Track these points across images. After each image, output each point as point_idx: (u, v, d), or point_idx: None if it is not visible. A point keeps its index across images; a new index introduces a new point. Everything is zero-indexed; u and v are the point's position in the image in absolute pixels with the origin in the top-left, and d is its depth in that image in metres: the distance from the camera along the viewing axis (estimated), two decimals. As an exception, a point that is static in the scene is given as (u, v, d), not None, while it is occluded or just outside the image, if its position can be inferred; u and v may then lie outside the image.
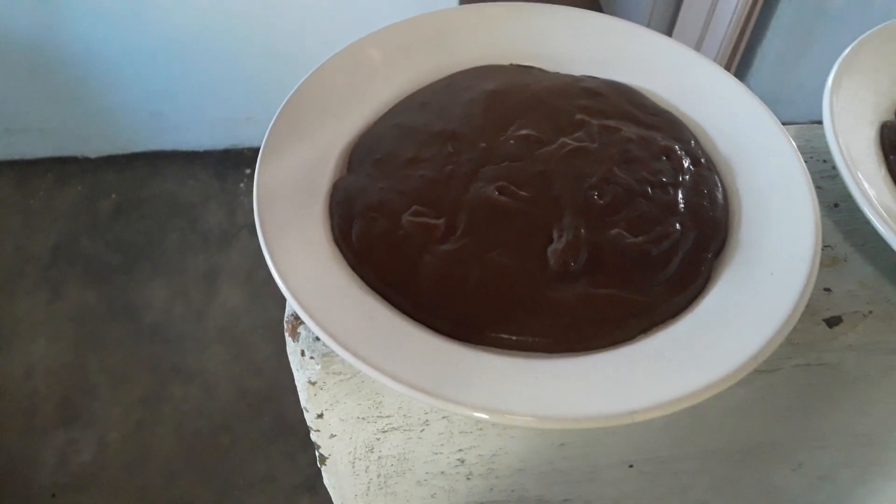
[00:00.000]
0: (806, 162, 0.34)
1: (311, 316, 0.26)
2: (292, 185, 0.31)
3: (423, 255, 0.30)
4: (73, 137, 1.33)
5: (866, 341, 0.32)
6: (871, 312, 0.32)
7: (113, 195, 1.33)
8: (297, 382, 0.31)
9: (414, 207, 0.31)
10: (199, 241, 1.28)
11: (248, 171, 1.38)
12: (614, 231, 0.31)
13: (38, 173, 1.35)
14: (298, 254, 0.29)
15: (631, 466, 0.42)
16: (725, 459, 0.43)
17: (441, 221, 0.31)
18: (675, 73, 0.37)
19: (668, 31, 1.17)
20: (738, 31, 1.07)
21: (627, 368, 0.27)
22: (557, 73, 0.38)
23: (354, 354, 0.26)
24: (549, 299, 0.29)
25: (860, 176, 0.32)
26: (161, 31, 1.18)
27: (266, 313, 1.19)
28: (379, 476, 0.38)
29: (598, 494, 0.45)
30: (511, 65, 0.38)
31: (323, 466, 0.36)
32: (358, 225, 0.30)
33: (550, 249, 0.30)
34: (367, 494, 0.40)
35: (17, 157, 1.35)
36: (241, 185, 1.36)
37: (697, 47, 1.16)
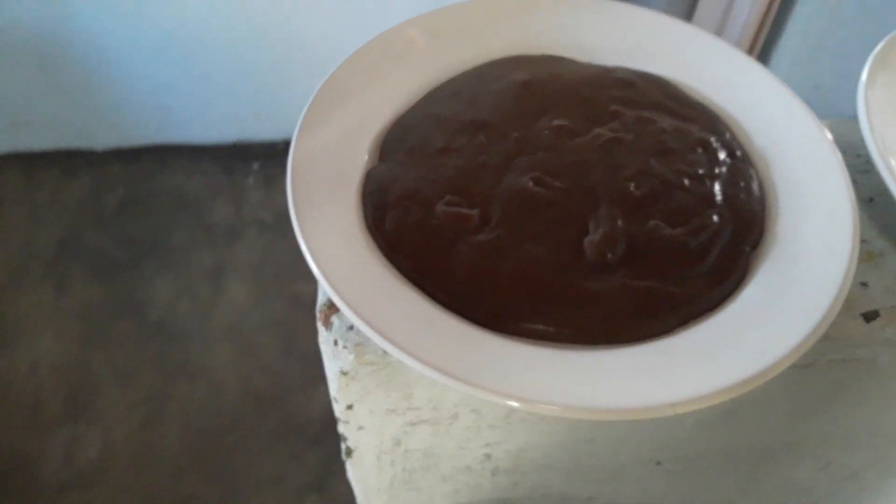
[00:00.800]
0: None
1: (346, 302, 0.26)
2: (325, 173, 0.31)
3: (457, 244, 0.29)
4: (80, 130, 1.33)
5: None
6: (910, 307, 0.31)
7: (120, 189, 1.33)
8: (328, 372, 0.30)
9: (447, 197, 0.31)
10: (206, 237, 1.28)
11: (256, 165, 1.37)
12: (652, 223, 0.30)
13: (44, 166, 1.34)
14: (333, 242, 0.28)
15: (658, 464, 0.41)
16: (754, 457, 0.43)
17: (475, 211, 0.30)
18: (707, 65, 0.37)
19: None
20: (754, 31, 1.06)
21: (666, 360, 0.27)
22: (590, 63, 0.38)
23: (389, 340, 0.25)
24: (586, 290, 0.28)
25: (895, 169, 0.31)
26: (169, 23, 1.18)
27: (274, 311, 1.19)
28: (404, 470, 0.37)
29: (623, 493, 0.44)
30: (543, 55, 0.38)
31: (349, 459, 0.36)
32: (392, 214, 0.30)
33: (587, 240, 0.29)
34: (391, 489, 0.40)
35: (23, 149, 1.34)
36: (249, 179, 1.35)
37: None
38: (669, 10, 1.17)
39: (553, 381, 0.26)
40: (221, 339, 1.15)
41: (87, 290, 1.20)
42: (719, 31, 1.11)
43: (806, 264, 0.29)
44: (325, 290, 0.28)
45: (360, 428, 0.33)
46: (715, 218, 0.31)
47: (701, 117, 0.35)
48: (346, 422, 0.32)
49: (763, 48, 1.10)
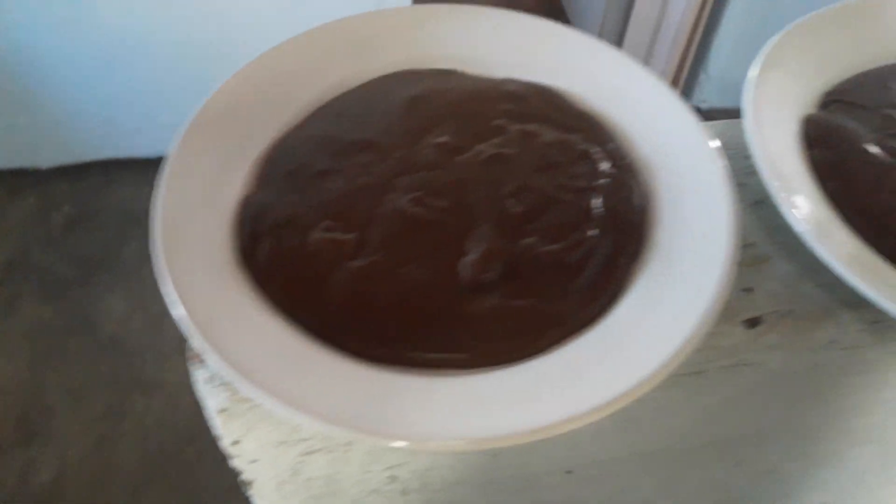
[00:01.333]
0: (730, 158, 0.34)
1: (208, 344, 0.25)
2: (198, 202, 0.30)
3: (332, 272, 0.29)
4: (23, 148, 1.29)
5: (786, 341, 0.31)
6: (791, 311, 0.31)
7: (66, 206, 1.30)
8: (206, 411, 0.30)
9: (325, 222, 0.30)
10: (158, 251, 1.25)
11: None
12: (529, 240, 0.30)
13: (-13, 187, 1.31)
14: (198, 276, 0.28)
15: (570, 472, 0.41)
16: (667, 459, 0.43)
17: (352, 236, 0.30)
18: (598, 74, 0.36)
19: (622, 30, 1.17)
20: (686, 36, 1.07)
21: (537, 383, 0.27)
22: (481, 76, 0.37)
23: (261, 387, 0.24)
24: (463, 314, 0.28)
25: (778, 173, 0.32)
26: (109, 36, 1.15)
27: (228, 321, 1.17)
28: (310, 497, 0.37)
29: (542, 500, 0.44)
30: (434, 69, 0.37)
31: (250, 490, 0.35)
32: (265, 243, 0.29)
33: (463, 262, 0.29)
34: (303, 514, 0.39)
35: (-35, 171, 1.31)
36: (197, 191, 1.33)
37: (650, 47, 1.16)
38: (608, 8, 1.17)
39: (430, 414, 0.25)
40: (175, 353, 1.13)
41: (37, 310, 1.18)
42: (657, 23, 1.11)
43: (682, 274, 0.29)
44: (184, 331, 0.27)
45: (254, 461, 0.32)
46: (592, 232, 0.30)
47: (587, 128, 0.34)
48: (237, 456, 0.32)
49: (700, 43, 1.11)
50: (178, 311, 0.26)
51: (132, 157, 1.35)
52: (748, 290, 0.32)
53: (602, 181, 0.32)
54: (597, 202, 0.32)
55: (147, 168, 1.35)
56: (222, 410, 0.29)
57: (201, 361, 0.28)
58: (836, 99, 0.36)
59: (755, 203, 0.35)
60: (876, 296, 0.28)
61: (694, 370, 0.34)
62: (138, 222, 1.29)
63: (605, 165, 0.33)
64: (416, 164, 0.32)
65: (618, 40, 1.18)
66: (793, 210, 0.30)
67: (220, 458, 0.32)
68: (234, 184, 0.32)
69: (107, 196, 1.32)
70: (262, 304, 0.28)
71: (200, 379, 0.28)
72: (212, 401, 0.28)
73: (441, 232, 0.30)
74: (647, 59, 1.15)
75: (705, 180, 0.31)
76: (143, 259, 1.24)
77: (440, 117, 0.34)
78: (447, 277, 0.29)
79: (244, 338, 0.26)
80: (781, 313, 0.31)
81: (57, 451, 1.06)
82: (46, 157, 1.32)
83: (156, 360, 1.13)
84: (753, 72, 0.35)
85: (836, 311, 0.32)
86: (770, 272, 0.33)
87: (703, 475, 0.45)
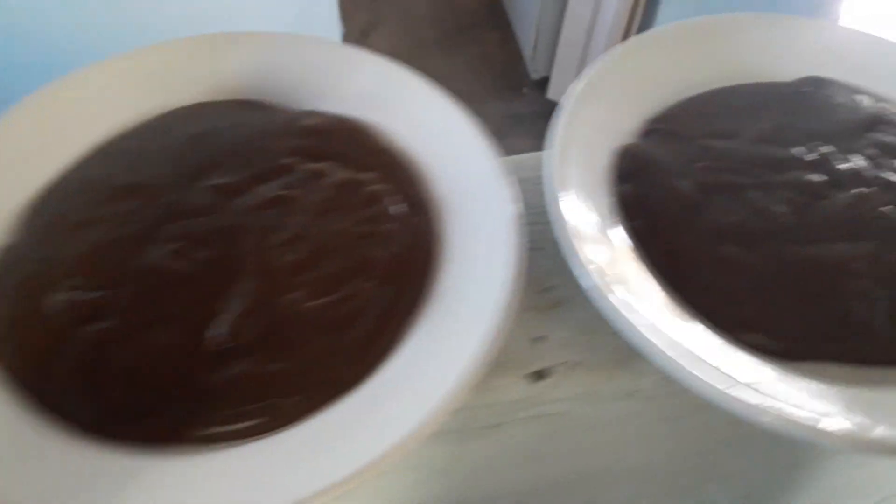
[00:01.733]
0: (543, 194, 0.32)
1: None
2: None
3: (67, 338, 0.26)
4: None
5: (577, 393, 0.29)
6: (581, 362, 0.29)
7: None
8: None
9: (72, 280, 0.28)
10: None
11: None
12: (295, 295, 0.28)
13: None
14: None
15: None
16: (510, 500, 0.41)
17: (96, 295, 0.27)
18: (407, 108, 0.34)
19: (558, 28, 1.15)
20: (621, 35, 1.05)
21: (272, 461, 0.24)
22: (281, 108, 0.35)
23: None
24: (206, 383, 0.26)
25: (574, 212, 0.29)
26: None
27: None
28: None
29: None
30: (232, 100, 0.35)
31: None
32: (3, 305, 0.27)
33: (213, 323, 0.27)
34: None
35: None
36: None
37: (585, 46, 1.13)
38: (543, 6, 1.15)
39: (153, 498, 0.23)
40: None
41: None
42: (591, 22, 1.09)
43: (457, 327, 0.27)
44: None
45: None
46: (368, 283, 0.28)
47: (385, 166, 0.32)
48: None
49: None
50: None
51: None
52: (540, 339, 0.30)
53: (388, 226, 0.30)
54: (378, 250, 0.29)
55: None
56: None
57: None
58: (657, 128, 0.34)
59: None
60: (655, 355, 0.26)
61: (490, 423, 0.32)
62: None
63: (395, 208, 0.31)
64: (185, 210, 0.30)
65: (554, 38, 1.16)
66: (576, 256, 0.28)
67: None
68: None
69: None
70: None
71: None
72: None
73: (196, 289, 0.28)
74: (582, 58, 1.13)
75: (494, 224, 0.29)
76: None
77: (223, 156, 0.32)
78: (192, 342, 0.26)
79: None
80: (571, 364, 0.29)
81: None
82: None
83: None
84: (567, 99, 0.33)
85: (632, 360, 0.30)
86: (566, 318, 0.31)
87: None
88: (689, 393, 0.25)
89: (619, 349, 0.30)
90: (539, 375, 0.29)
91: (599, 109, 0.33)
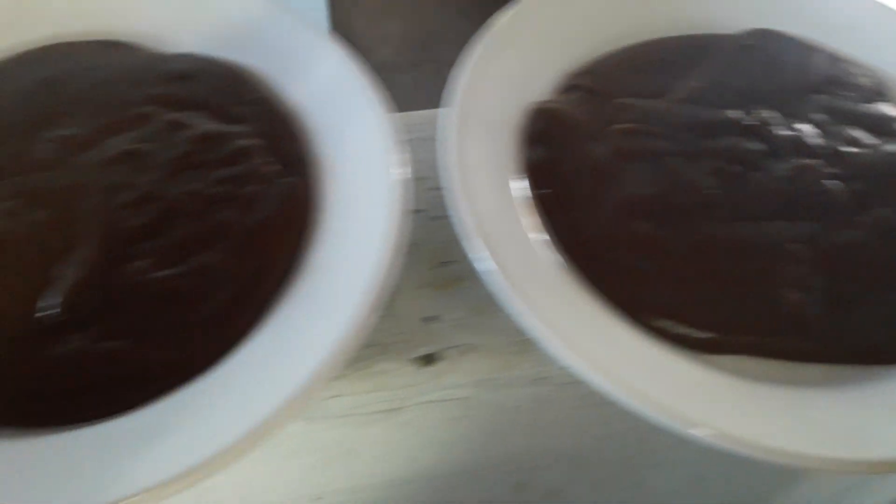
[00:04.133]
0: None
1: None
2: None
3: None
4: None
5: (474, 379, 0.26)
6: (476, 346, 0.26)
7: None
8: None
9: None
10: None
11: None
12: (140, 263, 0.24)
13: None
14: None
15: (320, 499, 0.37)
16: (425, 486, 0.38)
17: None
18: (292, 54, 0.30)
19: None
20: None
21: (99, 452, 0.21)
22: (150, 51, 0.31)
23: None
24: (36, 359, 0.23)
25: (469, 180, 0.25)
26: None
27: None
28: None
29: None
30: (96, 41, 0.31)
31: None
32: None
33: (46, 293, 0.23)
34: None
35: None
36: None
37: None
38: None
39: None
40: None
41: None
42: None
43: (326, 305, 0.24)
44: None
45: None
46: (225, 253, 0.25)
47: (258, 118, 0.28)
48: None
49: None
50: None
51: None
52: (431, 318, 0.27)
53: (254, 188, 0.26)
54: (240, 214, 0.26)
55: None
56: None
57: None
58: (578, 83, 0.30)
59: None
60: (551, 348, 0.22)
61: (390, 407, 0.29)
62: None
63: (266, 167, 0.27)
64: (24, 165, 0.26)
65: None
66: (468, 230, 0.24)
67: None
68: None
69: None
70: None
71: None
72: None
73: (30, 253, 0.24)
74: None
75: (377, 187, 0.26)
76: None
77: (73, 104, 0.28)
78: (23, 313, 0.23)
79: None
80: (463, 348, 0.26)
81: None
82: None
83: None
84: (473, 47, 0.29)
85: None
86: (465, 297, 0.27)
87: (482, 497, 0.41)
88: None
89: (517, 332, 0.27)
90: (428, 360, 0.26)
91: (511, 60, 0.29)
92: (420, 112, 0.31)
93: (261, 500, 0.35)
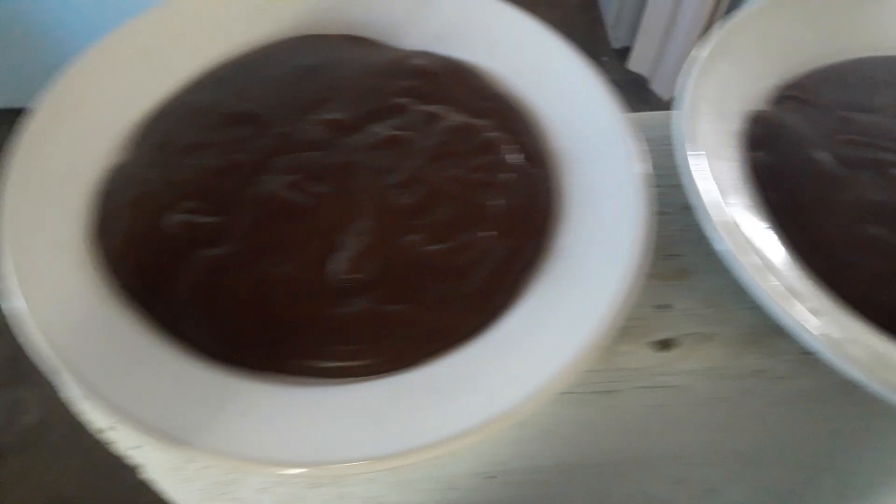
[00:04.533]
0: (668, 154, 0.30)
1: (44, 336, 0.23)
2: (57, 171, 0.28)
3: (186, 260, 0.26)
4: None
5: (706, 367, 0.28)
6: (713, 335, 0.28)
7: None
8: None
9: (188, 203, 0.27)
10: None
11: None
12: (413, 237, 0.27)
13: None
14: (43, 255, 0.25)
15: (493, 477, 0.39)
16: (595, 472, 0.40)
17: (213, 220, 0.27)
18: (523, 55, 0.32)
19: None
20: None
21: (392, 404, 0.24)
22: (390, 46, 0.33)
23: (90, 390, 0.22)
24: (326, 317, 0.25)
25: (708, 176, 0.27)
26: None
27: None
28: (213, 483, 0.35)
29: (464, 502, 0.42)
30: (340, 35, 0.34)
31: (144, 475, 0.33)
32: (120, 222, 0.27)
33: (334, 258, 0.26)
34: (204, 501, 0.37)
35: None
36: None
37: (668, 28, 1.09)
38: None
39: (274, 431, 0.23)
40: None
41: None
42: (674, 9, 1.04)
43: (580, 286, 0.26)
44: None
45: (136, 447, 0.30)
46: (486, 233, 0.27)
47: (500, 113, 0.31)
48: (115, 442, 0.29)
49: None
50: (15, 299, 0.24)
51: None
52: (664, 307, 0.29)
53: (505, 176, 0.29)
54: (496, 200, 0.28)
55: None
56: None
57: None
58: (791, 95, 0.31)
59: (686, 208, 0.31)
60: (795, 327, 0.24)
61: (608, 389, 0.31)
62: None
63: (512, 158, 0.29)
64: (299, 143, 0.29)
65: (639, 7, 1.11)
66: (714, 221, 0.26)
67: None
68: (98, 154, 0.29)
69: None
70: (114, 291, 0.25)
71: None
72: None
73: (315, 222, 0.27)
74: (667, 30, 1.08)
75: (621, 182, 0.28)
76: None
77: (335, 91, 0.31)
78: (314, 275, 0.26)
79: (83, 331, 0.24)
80: (701, 336, 0.28)
81: (44, 393, 1.08)
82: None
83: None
84: (699, 55, 0.31)
85: (764, 337, 0.29)
86: (693, 288, 0.29)
87: (640, 489, 0.42)
88: (827, 376, 0.24)
89: (747, 325, 0.29)
90: (664, 345, 0.27)
91: (730, 70, 0.31)
92: (639, 114, 0.33)
93: (433, 476, 0.37)
